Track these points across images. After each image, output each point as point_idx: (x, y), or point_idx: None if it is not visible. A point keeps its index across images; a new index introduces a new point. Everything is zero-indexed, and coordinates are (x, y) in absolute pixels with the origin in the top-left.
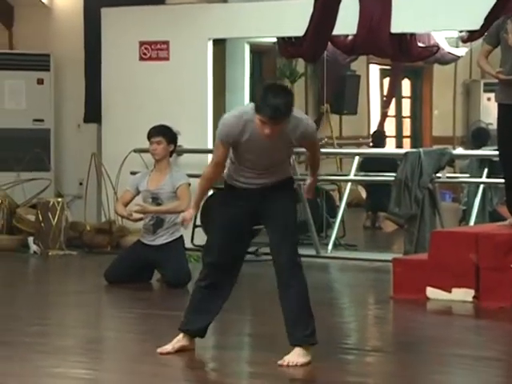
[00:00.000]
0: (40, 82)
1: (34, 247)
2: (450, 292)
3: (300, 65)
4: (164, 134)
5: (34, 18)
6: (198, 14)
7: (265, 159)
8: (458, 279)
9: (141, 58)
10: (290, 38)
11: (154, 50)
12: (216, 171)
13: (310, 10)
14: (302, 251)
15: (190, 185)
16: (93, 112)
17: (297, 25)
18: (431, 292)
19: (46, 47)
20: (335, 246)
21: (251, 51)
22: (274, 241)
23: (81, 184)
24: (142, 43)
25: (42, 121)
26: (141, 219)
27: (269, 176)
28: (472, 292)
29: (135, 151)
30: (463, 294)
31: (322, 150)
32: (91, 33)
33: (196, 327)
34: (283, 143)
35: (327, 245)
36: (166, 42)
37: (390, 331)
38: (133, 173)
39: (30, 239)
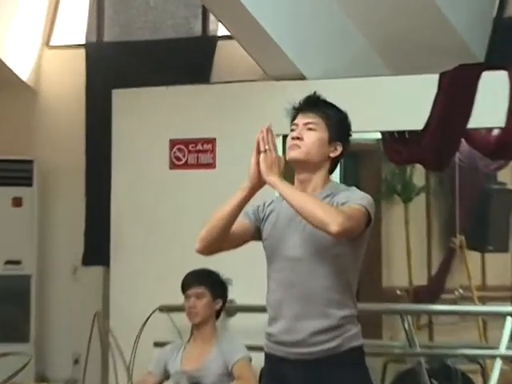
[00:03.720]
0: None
1: None
2: None
3: (418, 174)
4: (207, 283)
5: None
6: None
7: (293, 266)
8: None
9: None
10: (401, 133)
11: (191, 153)
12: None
13: (434, 89)
14: None
15: (251, 360)
16: (96, 250)
17: (412, 113)
18: None
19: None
20: None
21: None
22: None
23: (76, 362)
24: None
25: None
26: None
27: (306, 319)
28: None
29: (161, 310)
30: None
31: (455, 308)
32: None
33: None
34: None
35: None
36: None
37: None
38: (157, 344)
39: None
